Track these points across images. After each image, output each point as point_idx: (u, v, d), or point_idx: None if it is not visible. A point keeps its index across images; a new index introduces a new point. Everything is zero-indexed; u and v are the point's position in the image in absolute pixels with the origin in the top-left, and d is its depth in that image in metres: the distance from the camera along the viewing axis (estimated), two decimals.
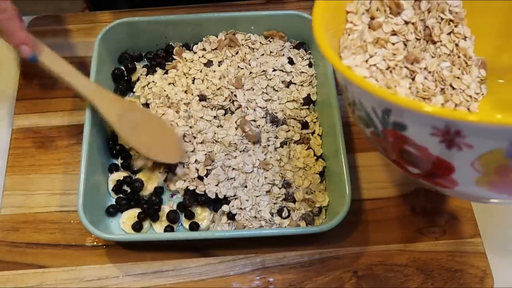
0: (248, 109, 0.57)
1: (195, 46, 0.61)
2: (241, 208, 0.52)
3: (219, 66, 0.60)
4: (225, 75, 0.58)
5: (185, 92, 0.58)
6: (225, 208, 0.52)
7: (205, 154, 0.54)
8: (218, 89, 0.58)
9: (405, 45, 0.46)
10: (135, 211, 0.53)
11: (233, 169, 0.53)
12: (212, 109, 0.57)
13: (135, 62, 0.61)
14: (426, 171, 0.38)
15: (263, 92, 0.58)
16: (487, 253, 0.52)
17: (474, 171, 0.35)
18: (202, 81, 0.58)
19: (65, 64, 0.52)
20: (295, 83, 0.59)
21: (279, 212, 0.52)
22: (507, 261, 0.53)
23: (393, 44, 0.45)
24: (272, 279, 0.51)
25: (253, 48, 0.60)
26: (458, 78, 0.47)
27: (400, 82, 0.44)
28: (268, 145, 0.55)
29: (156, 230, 0.52)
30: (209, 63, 0.60)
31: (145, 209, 0.52)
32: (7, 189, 0.55)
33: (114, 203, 0.54)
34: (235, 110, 0.57)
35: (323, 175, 0.55)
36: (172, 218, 0.52)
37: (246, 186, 0.53)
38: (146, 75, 0.60)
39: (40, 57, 0.51)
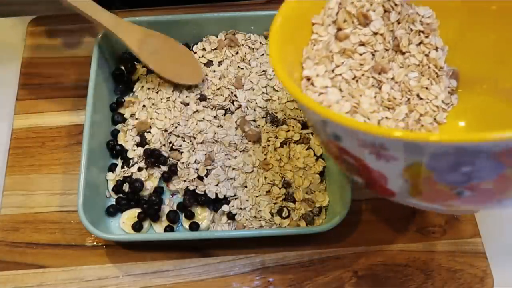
0: (248, 109, 0.57)
1: (195, 46, 0.61)
2: (241, 208, 0.52)
3: (219, 66, 0.60)
4: (225, 75, 0.58)
5: (186, 91, 0.58)
6: (225, 208, 0.52)
7: (205, 154, 0.54)
8: (218, 89, 0.58)
9: (373, 55, 0.46)
10: (135, 211, 0.53)
11: (233, 169, 0.53)
12: (212, 109, 0.57)
13: (135, 62, 0.61)
14: (366, 181, 0.38)
15: (263, 92, 0.58)
16: (487, 253, 0.52)
17: (404, 182, 0.35)
18: (202, 81, 0.58)
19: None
20: None
21: (279, 212, 0.52)
22: (507, 261, 0.53)
23: (361, 54, 0.45)
24: (272, 279, 0.51)
25: (253, 48, 0.60)
26: (427, 88, 0.47)
27: (366, 91, 0.44)
28: (268, 145, 0.55)
29: (156, 230, 0.52)
30: (209, 63, 0.60)
31: (145, 209, 0.52)
32: (7, 189, 0.55)
33: (114, 203, 0.54)
34: (235, 110, 0.57)
35: (323, 175, 0.55)
36: (172, 218, 0.52)
37: (246, 186, 0.53)
38: (146, 75, 0.60)
39: None
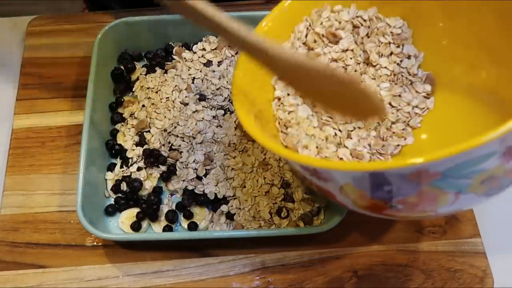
0: None
1: (194, 46, 0.61)
2: (240, 208, 0.52)
3: (218, 66, 0.59)
4: (225, 75, 0.58)
5: (185, 91, 0.58)
6: (224, 208, 0.52)
7: (204, 154, 0.54)
8: (217, 89, 0.58)
9: (346, 69, 0.48)
10: (134, 211, 0.53)
11: (232, 169, 0.53)
12: (211, 109, 0.57)
13: (135, 62, 0.61)
14: (326, 195, 0.41)
15: None
16: (487, 253, 0.52)
17: (346, 198, 0.38)
18: (202, 81, 0.58)
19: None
20: None
21: (278, 212, 0.52)
22: (507, 261, 0.53)
23: None
24: (272, 279, 0.51)
25: None
26: (399, 96, 0.48)
27: None
28: None
29: (154, 230, 0.52)
30: (208, 63, 0.60)
31: (144, 209, 0.52)
32: (7, 189, 0.55)
33: (113, 202, 0.54)
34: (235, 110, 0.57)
35: None
36: (171, 218, 0.52)
37: (245, 186, 0.53)
38: (146, 74, 0.60)
39: None
